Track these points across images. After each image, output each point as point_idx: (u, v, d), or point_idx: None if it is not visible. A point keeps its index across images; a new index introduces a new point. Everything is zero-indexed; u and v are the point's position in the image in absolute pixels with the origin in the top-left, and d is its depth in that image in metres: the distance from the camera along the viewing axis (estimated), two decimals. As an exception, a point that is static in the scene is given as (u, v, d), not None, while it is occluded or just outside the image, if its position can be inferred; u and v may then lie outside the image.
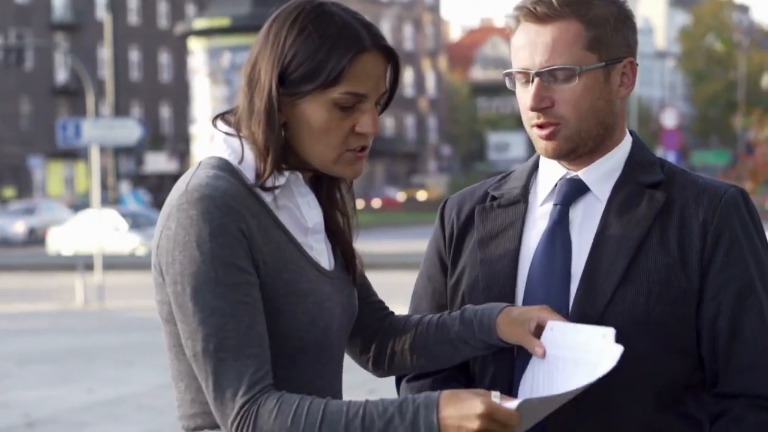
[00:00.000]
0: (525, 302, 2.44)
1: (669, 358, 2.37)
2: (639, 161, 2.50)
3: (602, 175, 2.48)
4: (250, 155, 2.31)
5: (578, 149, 2.45)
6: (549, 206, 2.51)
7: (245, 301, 2.21)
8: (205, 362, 2.21)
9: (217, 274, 2.20)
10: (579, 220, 2.47)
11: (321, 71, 2.26)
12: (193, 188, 2.26)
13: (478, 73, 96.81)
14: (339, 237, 2.45)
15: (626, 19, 2.45)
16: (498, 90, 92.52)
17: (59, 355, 13.76)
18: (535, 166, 2.59)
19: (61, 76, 67.31)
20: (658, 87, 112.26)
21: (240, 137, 2.32)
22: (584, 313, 2.36)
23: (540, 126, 2.43)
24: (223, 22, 18.98)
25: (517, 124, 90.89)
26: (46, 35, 64.56)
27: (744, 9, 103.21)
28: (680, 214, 2.41)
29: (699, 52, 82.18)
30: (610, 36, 2.42)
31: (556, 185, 2.51)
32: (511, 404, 2.08)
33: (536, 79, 2.40)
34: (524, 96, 2.44)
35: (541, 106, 2.40)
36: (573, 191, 2.49)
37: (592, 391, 2.21)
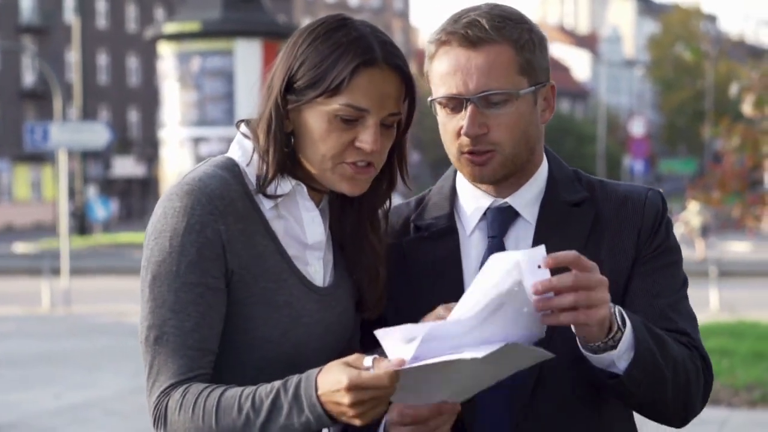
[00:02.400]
0: None
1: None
2: (558, 178, 2.50)
3: (530, 199, 2.48)
4: (257, 159, 2.32)
5: (509, 175, 2.43)
6: (480, 235, 2.48)
7: (197, 302, 2.21)
8: (145, 351, 2.24)
9: (179, 269, 2.21)
10: (513, 248, 2.44)
11: (324, 80, 2.25)
12: (186, 181, 2.27)
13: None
14: (364, 258, 2.43)
15: (544, 42, 2.45)
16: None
17: (26, 359, 13.69)
18: (453, 191, 2.54)
19: (29, 79, 66.90)
20: (627, 95, 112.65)
21: (253, 141, 2.34)
22: None
23: (472, 153, 2.39)
24: (193, 26, 18.92)
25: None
26: (14, 38, 64.15)
27: (712, 18, 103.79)
28: (609, 226, 2.44)
29: (667, 60, 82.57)
30: (536, 60, 2.41)
31: (485, 213, 2.48)
32: (385, 367, 2.03)
33: (471, 105, 2.36)
34: (453, 123, 2.40)
35: (478, 132, 2.36)
36: (506, 220, 2.46)
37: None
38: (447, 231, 2.49)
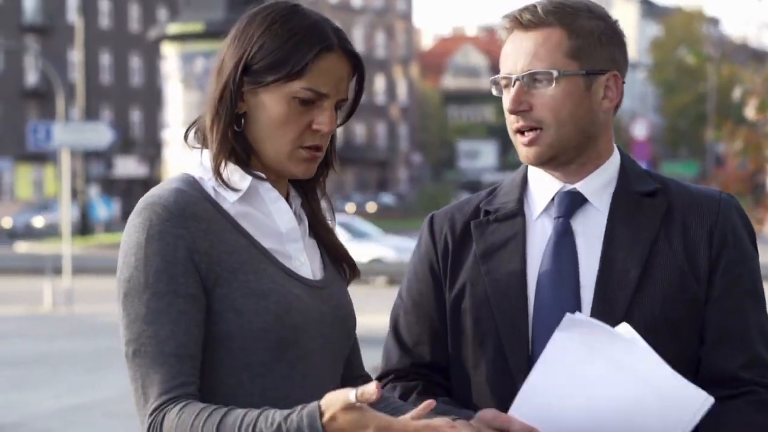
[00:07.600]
0: (536, 313, 2.45)
1: (685, 362, 2.39)
2: (631, 172, 2.55)
3: (599, 186, 2.53)
4: (207, 158, 2.36)
5: (559, 157, 2.49)
6: (547, 219, 2.54)
7: (168, 310, 2.22)
8: (130, 367, 2.24)
9: (147, 280, 2.23)
10: (581, 230, 2.51)
11: (286, 63, 2.31)
12: (142, 199, 2.31)
13: (449, 82, 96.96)
14: (327, 245, 2.47)
15: (614, 35, 2.51)
16: (468, 98, 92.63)
17: (26, 360, 13.69)
18: (524, 180, 2.61)
19: (32, 78, 66.98)
20: (629, 98, 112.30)
21: (202, 149, 2.37)
22: (603, 322, 2.33)
23: (521, 132, 2.47)
24: (197, 27, 18.90)
25: (487, 132, 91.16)
26: (17, 37, 64.21)
27: (715, 21, 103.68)
28: (682, 219, 2.48)
29: (670, 63, 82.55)
30: (593, 48, 2.47)
31: (553, 198, 2.53)
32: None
33: (516, 83, 2.46)
34: (506, 100, 2.49)
35: (519, 108, 2.46)
36: (573, 203, 2.52)
37: None
38: (514, 213, 2.56)
